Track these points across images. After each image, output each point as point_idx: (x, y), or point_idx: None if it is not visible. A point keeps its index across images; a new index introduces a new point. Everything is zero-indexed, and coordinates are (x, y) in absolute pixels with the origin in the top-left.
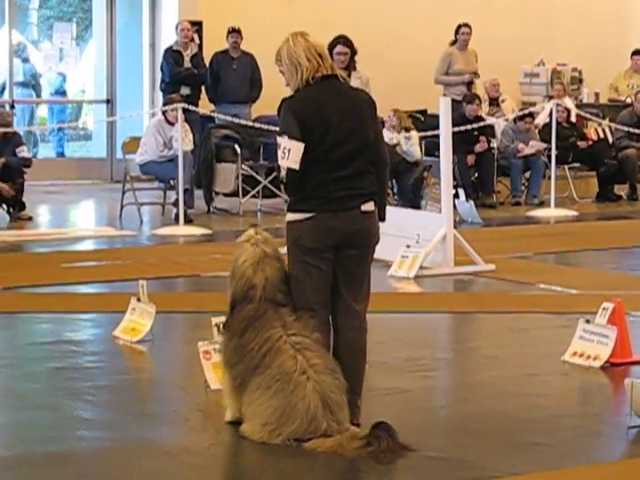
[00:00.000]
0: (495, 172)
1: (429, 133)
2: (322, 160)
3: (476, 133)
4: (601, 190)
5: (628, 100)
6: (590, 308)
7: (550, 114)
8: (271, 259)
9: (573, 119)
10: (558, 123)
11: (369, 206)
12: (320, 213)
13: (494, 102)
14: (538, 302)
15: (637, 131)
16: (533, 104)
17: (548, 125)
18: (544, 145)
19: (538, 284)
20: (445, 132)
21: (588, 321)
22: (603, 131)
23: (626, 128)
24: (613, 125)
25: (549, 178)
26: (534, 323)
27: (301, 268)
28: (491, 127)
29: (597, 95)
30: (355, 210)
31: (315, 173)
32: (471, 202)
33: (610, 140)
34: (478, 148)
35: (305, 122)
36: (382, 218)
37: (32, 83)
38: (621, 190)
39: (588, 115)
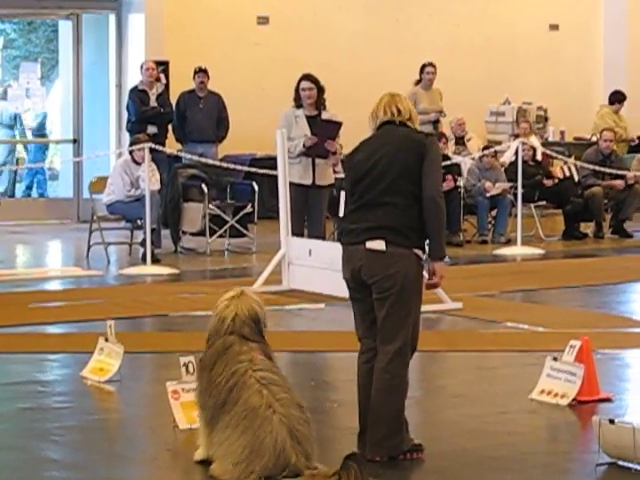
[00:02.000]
0: (462, 210)
1: None
2: (351, 194)
3: (443, 172)
4: (567, 228)
5: (593, 138)
6: (557, 346)
7: (516, 153)
8: (247, 297)
9: (539, 157)
10: (524, 162)
11: (376, 244)
12: (343, 246)
13: (460, 141)
14: (505, 340)
15: (602, 169)
16: (499, 143)
17: (514, 164)
18: (509, 185)
19: (505, 322)
20: None
21: (555, 359)
22: (569, 169)
23: (592, 166)
24: (579, 163)
25: (515, 216)
26: (502, 361)
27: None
28: (457, 166)
29: (562, 133)
30: (358, 245)
31: (348, 207)
32: None
33: (576, 178)
34: (444, 187)
35: (347, 167)
36: (432, 255)
37: None
38: (587, 228)
39: (554, 153)
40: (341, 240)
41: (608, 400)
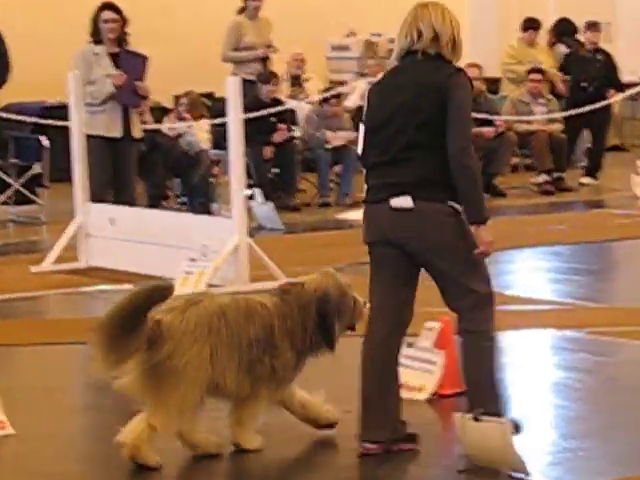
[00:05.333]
0: (298, 167)
1: (217, 120)
2: (371, 144)
3: (274, 120)
4: None
5: None
6: (413, 329)
7: (363, 96)
8: None
9: None
10: None
11: (402, 201)
12: (366, 204)
13: (296, 82)
14: None
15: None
16: (342, 83)
17: (361, 109)
18: (355, 135)
19: None
20: (235, 119)
21: (410, 345)
22: None
23: None
24: None
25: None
26: (348, 348)
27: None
28: (292, 112)
29: None
30: (383, 204)
31: (369, 158)
32: (270, 204)
33: None
34: (277, 138)
35: (367, 103)
36: (470, 219)
37: None
38: None
39: None
40: (366, 199)
41: None
